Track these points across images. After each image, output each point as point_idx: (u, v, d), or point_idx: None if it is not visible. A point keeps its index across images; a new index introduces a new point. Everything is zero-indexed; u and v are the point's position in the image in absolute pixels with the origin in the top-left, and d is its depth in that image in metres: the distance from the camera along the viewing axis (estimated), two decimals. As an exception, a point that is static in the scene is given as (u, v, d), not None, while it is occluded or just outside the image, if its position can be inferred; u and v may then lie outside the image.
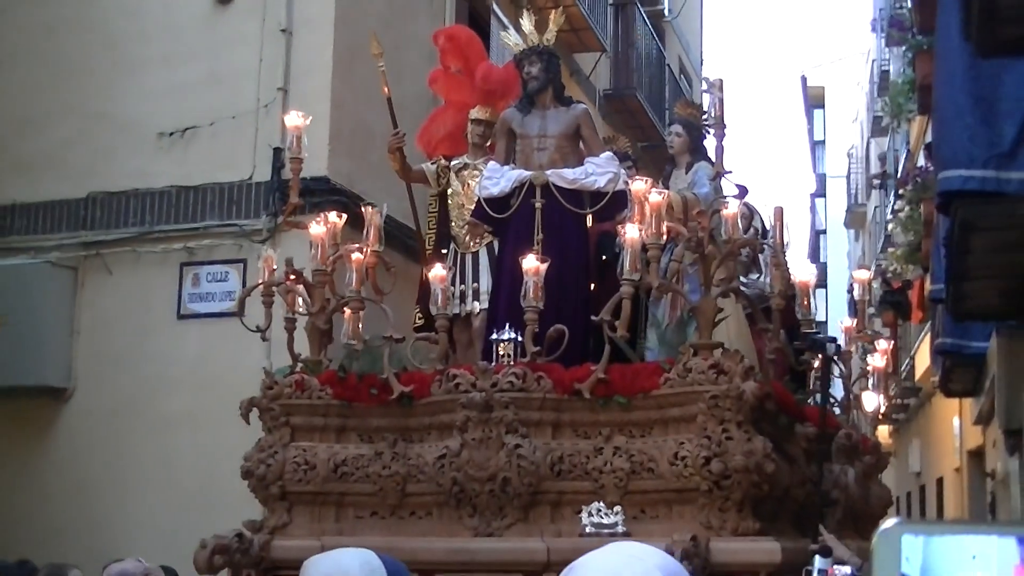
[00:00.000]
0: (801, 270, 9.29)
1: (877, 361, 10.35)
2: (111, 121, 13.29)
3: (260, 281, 8.59)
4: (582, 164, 9.37)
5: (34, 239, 13.49)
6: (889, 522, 1.20)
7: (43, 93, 13.53)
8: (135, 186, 13.16)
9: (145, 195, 13.15)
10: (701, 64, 30.29)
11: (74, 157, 13.38)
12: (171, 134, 13.08)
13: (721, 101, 8.89)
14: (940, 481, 21.53)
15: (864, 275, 11.38)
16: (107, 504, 12.31)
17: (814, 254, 47.83)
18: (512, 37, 9.84)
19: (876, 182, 30.50)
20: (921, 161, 17.86)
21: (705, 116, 9.92)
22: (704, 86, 9.63)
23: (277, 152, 12.42)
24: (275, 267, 8.65)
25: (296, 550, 7.50)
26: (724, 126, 8.90)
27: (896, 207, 18.19)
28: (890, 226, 18.66)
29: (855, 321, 10.53)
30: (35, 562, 8.64)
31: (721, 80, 9.03)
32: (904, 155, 23.09)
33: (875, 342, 10.81)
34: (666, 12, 25.71)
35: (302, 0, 12.96)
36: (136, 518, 11.83)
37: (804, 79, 49.12)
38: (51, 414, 13.21)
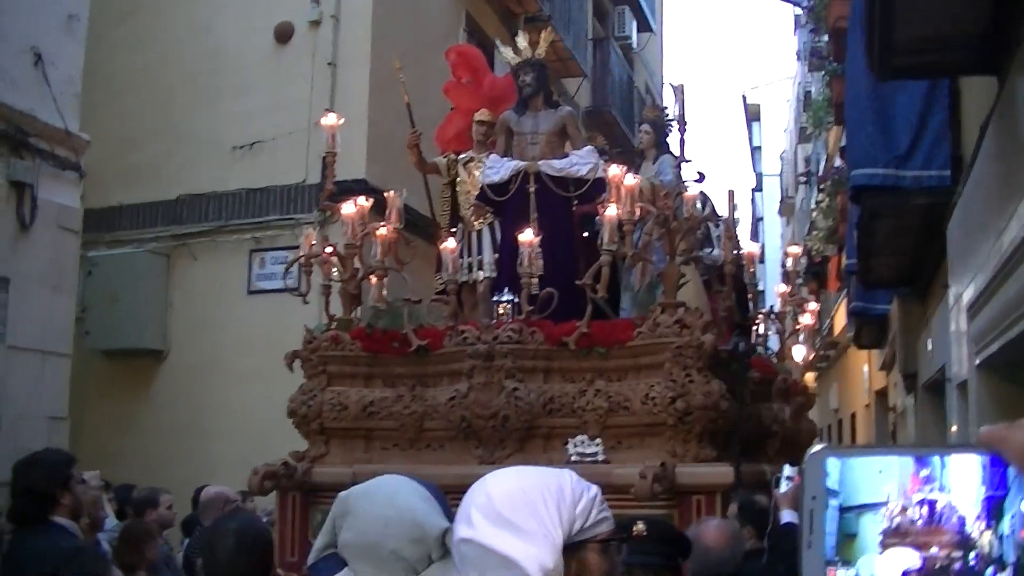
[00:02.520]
0: (748, 243, 9.23)
1: (807, 320, 10.28)
2: (194, 138, 13.31)
3: (301, 254, 8.43)
4: (567, 156, 9.33)
5: (136, 233, 13.54)
6: (815, 447, 1.21)
7: (142, 117, 13.54)
8: (214, 189, 13.21)
9: (222, 196, 13.18)
10: (662, 87, 30.17)
11: (166, 167, 13.41)
12: (241, 147, 13.10)
13: (683, 103, 8.81)
14: (853, 416, 21.54)
15: (796, 249, 11.31)
16: (194, 442, 12.34)
17: (754, 236, 47.65)
18: (509, 53, 9.77)
19: (802, 179, 30.39)
20: (837, 162, 17.80)
21: (668, 115, 9.87)
22: (670, 90, 9.53)
23: (324, 160, 12.42)
24: (314, 243, 8.54)
25: (332, 475, 7.44)
26: (685, 122, 8.81)
27: (818, 199, 18.16)
28: (813, 214, 18.60)
29: (788, 287, 10.46)
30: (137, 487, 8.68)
31: (683, 85, 8.95)
32: (823, 158, 23.02)
33: (806, 304, 10.75)
34: (634, 45, 25.64)
35: (345, 40, 12.98)
36: (217, 453, 11.85)
37: (744, 98, 48.93)
38: (151, 370, 13.29)
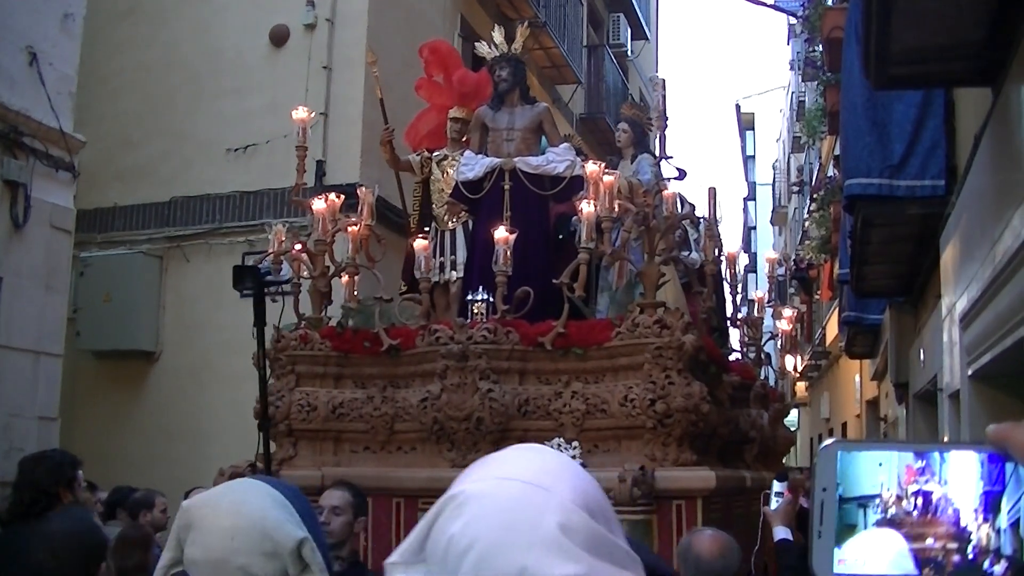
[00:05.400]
0: (729, 243, 9.10)
1: (784, 326, 10.24)
2: (190, 140, 13.32)
3: (270, 251, 8.24)
4: (544, 153, 9.21)
5: (130, 234, 13.55)
6: (827, 440, 1.24)
7: (138, 119, 13.56)
8: (208, 191, 13.22)
9: (216, 199, 13.19)
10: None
11: (161, 169, 13.43)
12: (237, 150, 13.10)
13: (664, 97, 8.62)
14: (844, 425, 21.57)
15: (773, 255, 11.27)
16: (187, 444, 12.33)
17: (747, 245, 47.78)
18: (485, 48, 9.69)
19: (795, 188, 30.48)
20: (830, 172, 17.83)
21: (652, 112, 9.70)
22: (650, 85, 9.27)
23: (320, 164, 12.44)
24: (283, 239, 8.32)
25: (300, 478, 7.20)
26: (667, 118, 8.62)
27: (811, 208, 18.19)
28: (806, 223, 18.67)
29: (767, 292, 10.41)
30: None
31: (664, 79, 8.78)
32: (817, 167, 23.06)
33: (782, 310, 10.72)
34: (629, 53, 25.69)
35: (340, 44, 13.00)
36: (210, 455, 11.79)
37: (738, 107, 49.03)
38: (143, 372, 13.28)
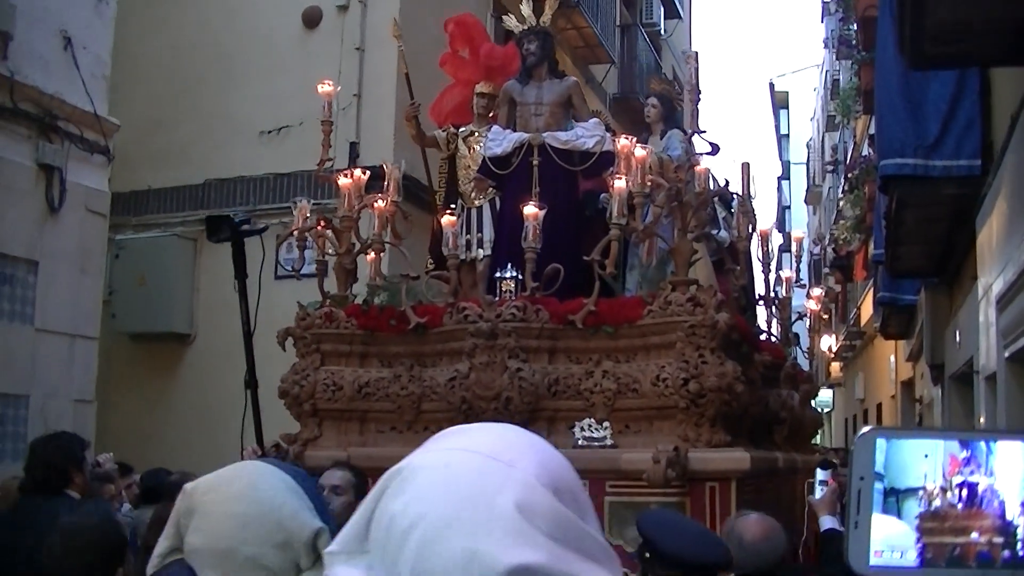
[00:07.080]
0: (763, 220, 8.92)
1: (812, 305, 10.11)
2: (223, 122, 13.36)
3: (295, 227, 8.10)
4: (573, 128, 9.08)
5: (164, 217, 13.62)
6: (865, 428, 1.22)
7: (170, 101, 13.61)
8: (242, 173, 13.26)
9: (249, 181, 13.24)
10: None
11: (194, 151, 13.47)
12: (270, 132, 13.14)
13: (696, 71, 8.44)
14: (879, 406, 21.45)
15: (800, 233, 11.13)
16: (222, 425, 12.36)
17: (780, 225, 47.51)
18: (513, 21, 9.57)
19: (829, 168, 30.28)
20: (865, 151, 17.73)
21: (685, 86, 9.50)
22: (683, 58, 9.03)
23: (353, 145, 12.45)
24: (308, 215, 8.16)
25: (326, 459, 7.02)
26: (699, 91, 8.42)
27: (845, 188, 18.08)
28: (840, 203, 18.51)
29: (794, 271, 10.27)
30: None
31: (696, 52, 8.58)
32: (851, 146, 22.93)
33: (811, 290, 10.60)
34: (662, 32, 25.59)
35: (372, 25, 12.98)
36: (245, 437, 11.89)
37: (772, 85, 48.74)
38: (178, 354, 13.37)
